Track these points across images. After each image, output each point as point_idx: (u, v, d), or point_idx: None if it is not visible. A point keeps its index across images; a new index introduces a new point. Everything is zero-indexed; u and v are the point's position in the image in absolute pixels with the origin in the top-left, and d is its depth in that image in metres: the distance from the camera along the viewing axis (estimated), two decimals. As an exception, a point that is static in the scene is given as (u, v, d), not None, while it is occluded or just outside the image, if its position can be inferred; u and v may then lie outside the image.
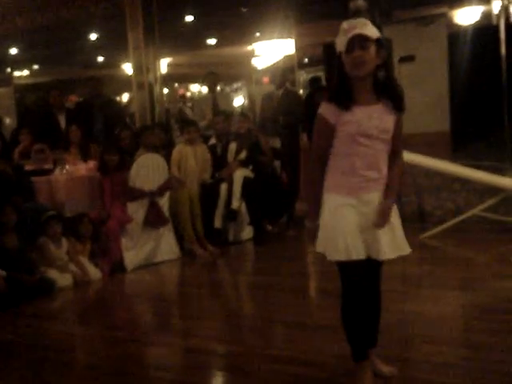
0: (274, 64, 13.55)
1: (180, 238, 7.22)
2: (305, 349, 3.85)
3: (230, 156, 8.01)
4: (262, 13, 10.71)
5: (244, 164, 7.87)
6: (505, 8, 9.08)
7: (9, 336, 4.70)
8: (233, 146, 8.04)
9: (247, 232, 7.85)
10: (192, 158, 7.68)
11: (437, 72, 9.02)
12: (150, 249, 6.89)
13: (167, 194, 7.10)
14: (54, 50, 13.78)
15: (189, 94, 18.39)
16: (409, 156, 6.71)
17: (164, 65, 12.73)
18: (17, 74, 15.60)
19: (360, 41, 2.81)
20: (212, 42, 14.24)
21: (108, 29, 11.83)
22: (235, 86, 18.48)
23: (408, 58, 9.12)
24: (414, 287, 5.14)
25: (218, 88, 9.95)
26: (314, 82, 10.63)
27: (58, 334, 4.75)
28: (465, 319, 4.46)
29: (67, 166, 7.14)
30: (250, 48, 14.30)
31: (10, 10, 10.20)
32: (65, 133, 8.32)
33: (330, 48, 2.89)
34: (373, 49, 2.84)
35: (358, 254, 2.90)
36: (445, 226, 6.98)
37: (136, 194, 6.78)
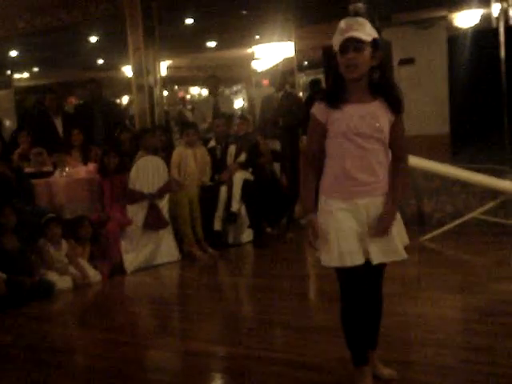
0: (274, 67, 13.56)
1: (180, 240, 7.22)
2: (305, 351, 3.85)
3: (230, 158, 8.01)
4: (261, 16, 10.72)
5: (243, 166, 7.88)
6: (504, 11, 9.08)
7: (8, 338, 4.70)
8: (232, 149, 8.04)
9: (247, 234, 7.84)
10: (192, 160, 7.68)
11: (436, 75, 9.03)
12: (149, 251, 6.89)
13: (167, 197, 7.10)
14: (53, 53, 13.79)
15: (188, 96, 18.41)
16: (409, 158, 6.72)
17: (164, 67, 12.73)
18: (17, 76, 15.62)
19: (354, 43, 2.80)
20: (212, 44, 14.25)
21: (108, 31, 11.83)
22: (235, 88, 18.50)
23: (407, 61, 9.14)
24: (413, 290, 5.14)
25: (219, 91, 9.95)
26: (313, 85, 10.65)
27: (57, 336, 4.75)
28: (464, 322, 4.46)
29: (67, 169, 7.14)
30: (249, 51, 14.31)
31: (10, 12, 10.20)
32: (63, 136, 8.33)
33: (329, 51, 2.91)
34: (367, 51, 2.82)
35: (353, 260, 2.87)
36: (444, 228, 6.98)
37: (136, 197, 6.78)
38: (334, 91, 2.92)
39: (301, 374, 3.50)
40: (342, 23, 2.85)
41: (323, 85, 10.12)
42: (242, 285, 6.36)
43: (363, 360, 3.03)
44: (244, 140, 8.15)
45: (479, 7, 10.73)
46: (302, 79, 12.62)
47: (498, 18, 9.24)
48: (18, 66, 14.90)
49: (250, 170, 7.92)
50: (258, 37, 13.19)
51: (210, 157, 7.96)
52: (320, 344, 3.95)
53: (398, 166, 3.01)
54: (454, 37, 9.54)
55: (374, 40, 2.85)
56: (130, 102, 15.21)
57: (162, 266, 6.89)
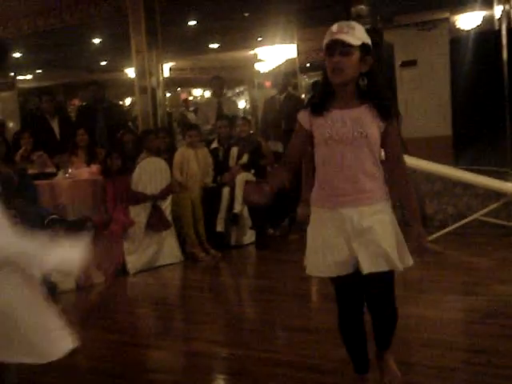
0: (276, 68, 13.58)
1: (182, 241, 7.23)
2: (307, 353, 3.86)
3: (232, 160, 8.02)
4: (264, 17, 10.73)
5: (246, 168, 7.89)
6: (507, 13, 9.08)
7: None
8: (234, 151, 8.06)
9: (249, 236, 7.86)
10: (194, 161, 7.70)
11: (438, 76, 9.04)
12: (152, 252, 6.90)
13: (169, 198, 7.11)
14: (57, 54, 13.82)
15: (191, 98, 18.42)
16: (411, 160, 6.73)
17: (166, 69, 12.76)
18: (20, 77, 15.64)
19: (341, 46, 2.69)
20: (214, 46, 14.27)
21: (111, 33, 11.85)
22: (237, 90, 18.52)
23: (410, 63, 9.15)
24: (415, 291, 5.14)
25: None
26: (315, 87, 10.64)
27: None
28: (466, 323, 4.47)
29: (70, 170, 7.15)
30: (252, 52, 14.33)
31: (13, 14, 10.23)
32: (60, 138, 8.34)
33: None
34: (355, 55, 2.71)
35: (340, 270, 2.80)
36: (446, 230, 6.98)
37: (139, 198, 6.80)
38: (320, 97, 2.84)
39: (303, 374, 3.51)
40: (334, 27, 2.75)
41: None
42: (245, 286, 6.37)
43: (362, 369, 3.03)
44: (246, 142, 8.16)
45: (481, 9, 10.74)
46: (305, 81, 12.62)
47: (500, 20, 9.25)
48: (21, 67, 14.92)
49: (253, 171, 7.93)
50: (260, 38, 13.21)
51: (212, 158, 7.98)
52: (322, 345, 3.96)
53: (397, 178, 2.90)
54: (457, 39, 9.56)
55: (364, 45, 2.74)
56: (133, 104, 15.23)
57: (165, 267, 6.90)
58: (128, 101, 18.22)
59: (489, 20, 10.68)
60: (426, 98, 8.99)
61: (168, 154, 7.72)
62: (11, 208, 5.82)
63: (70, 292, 5.97)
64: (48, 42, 12.18)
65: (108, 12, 9.82)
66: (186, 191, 7.38)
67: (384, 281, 2.83)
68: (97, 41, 12.87)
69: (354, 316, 2.93)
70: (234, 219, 7.66)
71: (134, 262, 6.69)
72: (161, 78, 9.55)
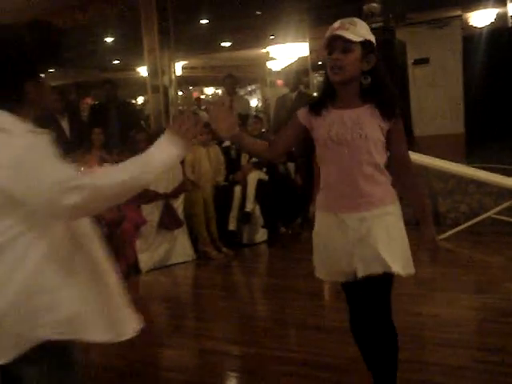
0: (288, 67, 13.58)
1: (194, 240, 7.24)
2: (319, 351, 3.86)
3: (244, 158, 8.02)
4: (276, 16, 10.74)
5: (258, 166, 7.89)
6: (520, 10, 9.05)
7: None
8: (247, 149, 8.05)
9: (261, 234, 7.85)
10: (206, 160, 7.71)
11: (451, 74, 9.02)
12: (164, 251, 6.92)
13: (182, 196, 7.13)
14: (70, 53, 13.87)
15: (203, 96, 18.46)
16: (423, 158, 6.72)
17: (179, 68, 12.79)
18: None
19: (341, 43, 2.57)
20: (227, 44, 14.29)
21: (123, 32, 11.89)
22: (249, 88, 18.54)
23: (422, 61, 9.12)
24: (428, 290, 5.13)
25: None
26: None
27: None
28: (479, 322, 4.46)
29: (82, 169, 7.17)
30: (264, 51, 14.34)
31: (26, 14, 10.27)
32: (70, 138, 8.37)
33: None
34: (356, 53, 2.58)
35: (340, 277, 2.78)
36: (459, 228, 6.96)
37: (151, 197, 6.81)
38: (320, 96, 2.77)
39: (315, 372, 3.51)
40: (336, 23, 2.63)
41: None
42: (257, 284, 6.37)
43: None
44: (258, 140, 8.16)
45: (494, 6, 10.71)
46: (317, 79, 12.59)
47: (513, 17, 9.23)
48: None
49: (265, 169, 7.93)
50: (272, 37, 13.22)
51: (224, 156, 7.98)
52: (335, 343, 3.96)
53: (405, 182, 2.76)
54: (469, 36, 9.54)
55: (367, 42, 2.60)
56: (145, 103, 15.27)
57: (177, 266, 6.92)
58: (140, 99, 18.29)
59: (502, 17, 10.66)
60: (438, 95, 8.96)
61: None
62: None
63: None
64: (61, 42, 12.22)
65: (120, 11, 9.85)
66: (198, 190, 7.39)
67: (378, 286, 2.64)
68: (109, 40, 12.92)
69: (359, 320, 2.83)
70: (245, 218, 7.66)
71: (146, 260, 6.71)
72: (173, 77, 9.56)
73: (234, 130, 2.69)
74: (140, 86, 14.32)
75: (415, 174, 2.81)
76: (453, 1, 9.99)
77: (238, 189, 7.73)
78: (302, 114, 2.76)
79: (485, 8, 10.89)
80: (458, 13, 10.09)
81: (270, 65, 15.34)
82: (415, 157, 6.58)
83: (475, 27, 11.00)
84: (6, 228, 1.82)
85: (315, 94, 11.66)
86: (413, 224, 2.81)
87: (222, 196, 7.69)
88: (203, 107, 14.28)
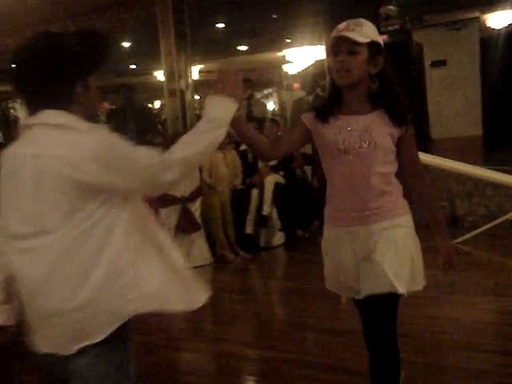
0: (305, 70, 13.56)
1: (212, 243, 7.26)
2: (337, 354, 3.85)
3: (261, 162, 8.03)
4: (292, 19, 10.73)
5: (275, 170, 7.89)
6: (538, 11, 9.00)
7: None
8: (264, 152, 8.05)
9: (278, 237, 7.85)
10: (223, 164, 7.72)
11: (469, 76, 8.98)
12: (182, 254, 6.92)
13: (199, 200, 7.14)
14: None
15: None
16: (441, 161, 6.69)
17: (195, 71, 12.81)
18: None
19: (347, 45, 2.43)
20: (243, 48, 14.30)
21: (140, 36, 11.94)
22: (266, 92, 18.54)
23: (440, 63, 9.09)
24: (446, 293, 5.11)
25: (251, 94, 9.98)
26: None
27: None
28: (499, 325, 4.43)
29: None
30: (280, 54, 14.33)
31: (43, 18, 10.34)
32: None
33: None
34: (363, 55, 2.44)
35: (348, 293, 2.71)
36: (477, 231, 6.92)
37: (168, 200, 6.83)
38: (326, 102, 2.61)
39: (332, 376, 3.51)
40: (341, 24, 2.50)
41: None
42: (274, 288, 6.37)
43: None
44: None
45: (512, 8, 10.63)
46: (333, 82, 12.58)
47: (531, 19, 9.17)
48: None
49: (282, 173, 7.93)
50: (288, 40, 13.21)
51: (241, 160, 7.99)
52: (352, 347, 3.94)
53: (417, 193, 2.60)
54: (487, 38, 9.49)
55: (374, 43, 2.46)
56: (162, 107, 15.33)
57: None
58: (157, 104, 18.34)
59: (520, 18, 10.57)
60: (456, 97, 8.93)
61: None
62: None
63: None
64: (108, 48, 12.29)
65: (137, 15, 9.89)
66: (215, 193, 7.41)
67: (382, 306, 2.50)
68: (126, 44, 12.96)
69: (369, 337, 2.66)
70: (263, 221, 7.67)
71: (163, 263, 6.72)
72: (190, 81, 9.58)
73: (237, 99, 2.32)
74: (157, 90, 14.39)
75: (428, 183, 2.62)
76: (470, 2, 9.93)
77: (255, 192, 7.74)
78: (308, 118, 2.60)
79: (503, 9, 10.80)
80: (476, 14, 10.04)
81: (286, 68, 15.34)
82: (432, 159, 6.57)
83: (493, 29, 10.92)
84: (89, 214, 1.92)
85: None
86: (423, 227, 2.65)
87: (239, 199, 7.70)
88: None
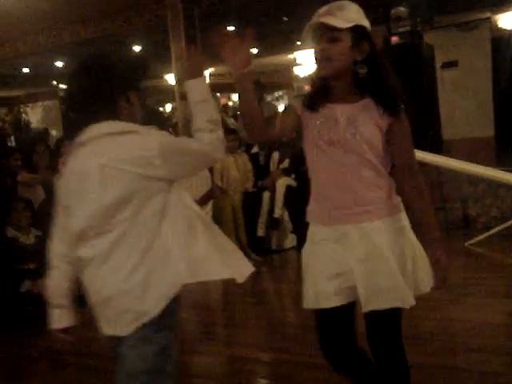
0: (316, 72, 13.55)
1: (223, 246, 7.25)
2: (349, 357, 3.83)
3: (273, 165, 8.03)
4: (303, 21, 10.73)
5: (286, 173, 7.89)
6: (550, 11, 8.96)
7: (54, 344, 4.77)
8: (276, 155, 8.06)
9: (290, 240, 7.84)
10: (234, 167, 7.73)
11: (480, 77, 8.94)
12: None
13: (210, 203, 7.15)
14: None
15: (231, 103, 18.50)
16: (453, 162, 6.66)
17: (206, 75, 12.83)
18: (62, 86, 15.89)
19: (327, 31, 2.24)
20: (254, 51, 14.31)
21: (151, 40, 11.98)
22: (277, 94, 18.55)
23: (451, 64, 9.06)
24: (459, 295, 5.08)
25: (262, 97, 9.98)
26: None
27: (102, 341, 4.81)
28: (510, 327, 4.40)
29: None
30: (291, 57, 14.34)
31: (55, 23, 10.40)
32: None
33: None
34: (345, 41, 2.23)
35: (329, 302, 2.46)
36: (490, 232, 6.88)
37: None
38: (312, 92, 2.41)
39: (345, 380, 3.49)
40: (321, 9, 2.31)
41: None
42: (286, 290, 6.36)
43: None
44: (287, 146, 8.15)
45: (524, 8, 10.59)
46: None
47: (543, 19, 9.13)
48: (63, 76, 15.16)
49: (293, 176, 7.92)
50: (299, 43, 13.21)
51: (252, 163, 7.99)
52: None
53: (408, 191, 2.34)
54: (499, 38, 9.44)
55: (358, 27, 2.24)
56: (173, 110, 15.35)
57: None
58: (168, 107, 18.39)
59: (531, 19, 10.53)
60: (467, 99, 8.88)
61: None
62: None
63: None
64: (89, 51, 12.35)
65: (148, 20, 9.92)
66: (226, 196, 7.41)
67: (386, 320, 2.35)
68: (137, 48, 13.01)
69: (340, 361, 2.63)
70: (274, 224, 7.66)
71: (175, 267, 6.73)
72: (200, 84, 9.59)
73: (247, 66, 2.41)
74: (168, 94, 14.41)
75: (418, 184, 2.34)
76: (481, 3, 9.90)
77: (266, 195, 7.73)
78: (299, 105, 2.43)
79: (514, 10, 10.80)
80: (487, 15, 10.00)
81: (296, 70, 15.35)
82: (445, 161, 6.55)
83: (504, 29, 10.89)
84: (150, 205, 2.15)
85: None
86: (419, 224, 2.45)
87: (251, 202, 7.70)
88: (230, 114, 14.31)
